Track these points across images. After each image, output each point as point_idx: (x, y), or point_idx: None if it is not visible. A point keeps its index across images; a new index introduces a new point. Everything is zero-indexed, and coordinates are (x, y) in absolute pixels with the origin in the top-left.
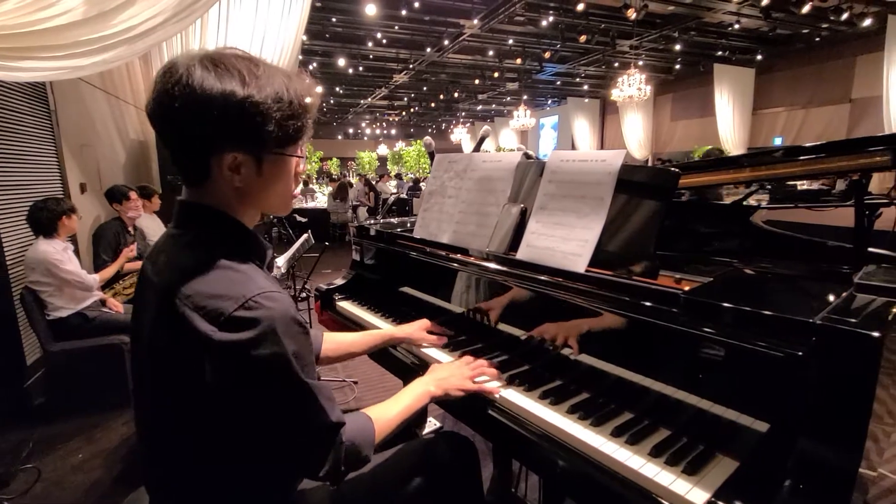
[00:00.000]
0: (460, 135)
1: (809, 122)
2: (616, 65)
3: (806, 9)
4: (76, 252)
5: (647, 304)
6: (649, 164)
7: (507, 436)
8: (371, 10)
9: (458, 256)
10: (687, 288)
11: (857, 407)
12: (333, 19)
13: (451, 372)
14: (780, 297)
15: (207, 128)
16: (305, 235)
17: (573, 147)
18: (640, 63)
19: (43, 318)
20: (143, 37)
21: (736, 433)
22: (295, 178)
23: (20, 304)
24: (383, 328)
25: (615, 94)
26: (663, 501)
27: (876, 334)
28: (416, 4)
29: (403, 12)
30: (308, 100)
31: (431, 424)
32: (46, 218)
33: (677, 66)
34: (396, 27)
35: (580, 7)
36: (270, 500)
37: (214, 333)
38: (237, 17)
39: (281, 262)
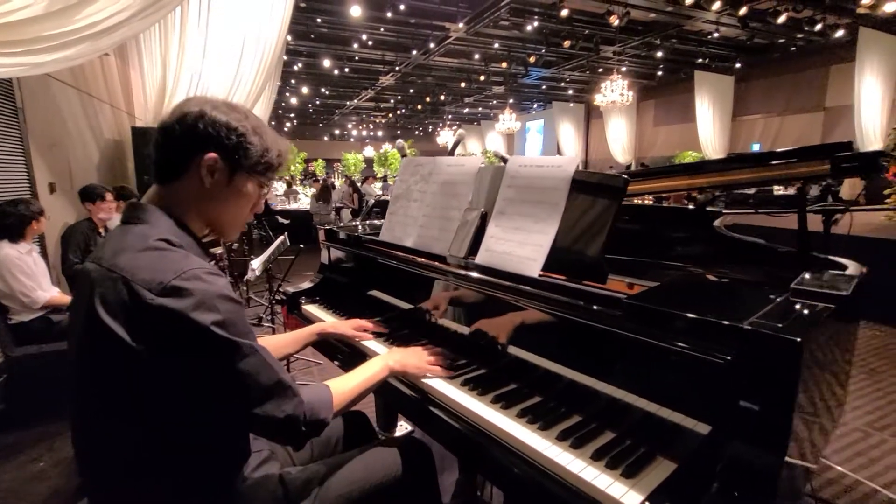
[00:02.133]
0: (447, 137)
1: (785, 129)
2: (600, 70)
3: (781, 19)
4: (43, 253)
5: (592, 307)
6: (633, 168)
7: (451, 435)
8: (356, 12)
9: (420, 260)
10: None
11: (781, 408)
12: (318, 20)
13: (410, 353)
14: (719, 301)
15: (207, 133)
16: (281, 238)
17: (559, 151)
18: (624, 69)
19: (4, 323)
20: (108, 33)
21: (677, 435)
22: (252, 209)
23: None
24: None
25: (598, 100)
26: None
27: (798, 339)
28: (402, 7)
29: (389, 14)
30: (282, 151)
31: (402, 428)
32: (14, 222)
33: (659, 73)
34: (382, 29)
35: (564, 13)
36: (222, 484)
37: (153, 300)
38: (217, 16)
39: (256, 264)
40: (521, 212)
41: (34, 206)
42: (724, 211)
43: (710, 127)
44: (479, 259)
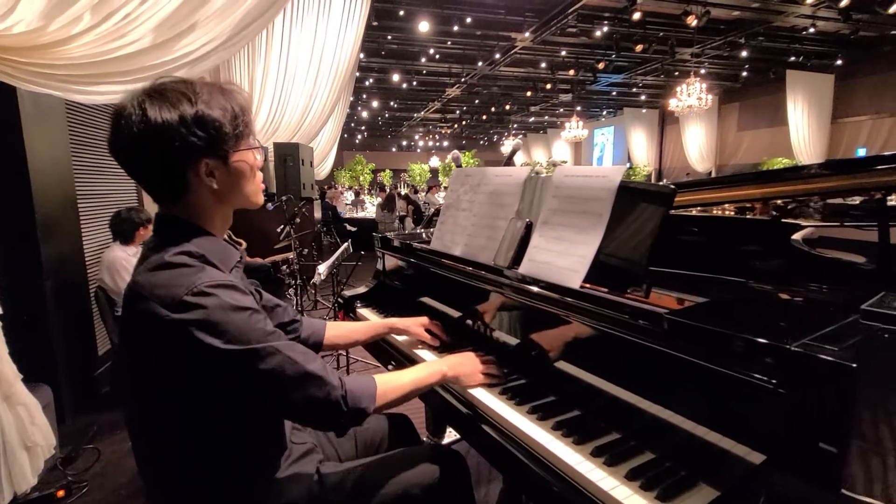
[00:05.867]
0: (511, 145)
1: None
2: (676, 74)
3: (894, 8)
4: None
5: (632, 321)
6: (713, 176)
7: (486, 443)
8: (424, 27)
9: (466, 269)
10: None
11: (834, 441)
12: (389, 37)
13: (464, 360)
14: (773, 320)
15: (177, 147)
16: (345, 245)
17: (629, 158)
18: (703, 71)
19: (112, 315)
20: (200, 61)
21: (722, 461)
22: (253, 170)
23: (95, 300)
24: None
25: (673, 104)
26: None
27: (853, 365)
28: (468, 20)
29: (455, 28)
30: (243, 102)
31: (452, 434)
32: (127, 227)
33: (744, 74)
34: (449, 42)
35: (637, 16)
36: (260, 475)
37: (167, 316)
38: (298, 38)
39: (322, 269)
40: (565, 222)
41: (143, 214)
42: (802, 223)
43: (804, 130)
44: (523, 269)
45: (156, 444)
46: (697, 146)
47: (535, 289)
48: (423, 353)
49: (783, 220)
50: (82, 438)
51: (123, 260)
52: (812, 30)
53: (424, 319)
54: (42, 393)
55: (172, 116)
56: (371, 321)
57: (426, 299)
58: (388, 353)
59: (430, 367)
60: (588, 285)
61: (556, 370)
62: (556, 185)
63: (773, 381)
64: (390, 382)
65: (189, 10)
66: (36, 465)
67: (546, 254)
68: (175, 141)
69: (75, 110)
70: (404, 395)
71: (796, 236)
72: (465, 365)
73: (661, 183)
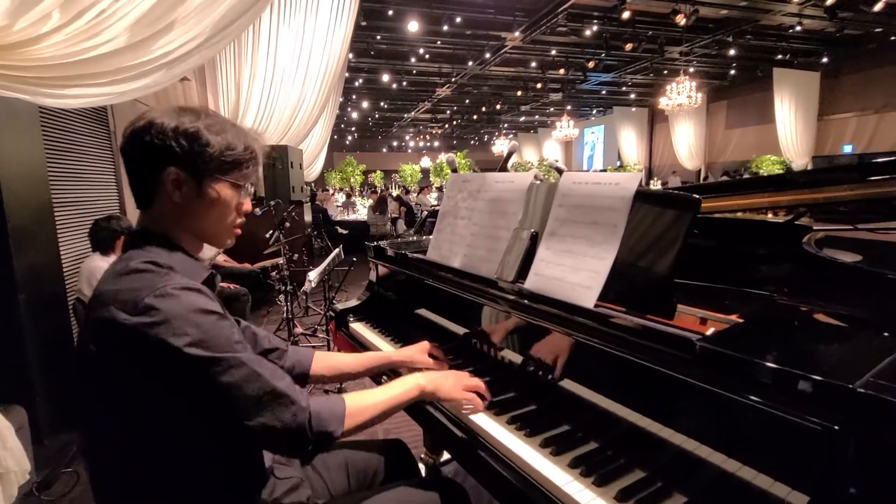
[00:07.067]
0: (502, 146)
1: (884, 128)
2: (665, 72)
3: (878, 6)
4: None
5: (659, 348)
6: (702, 174)
7: (489, 475)
8: (413, 27)
9: (466, 282)
10: (709, 332)
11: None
12: (378, 37)
13: (446, 375)
14: (818, 347)
15: (156, 145)
16: (336, 250)
17: (619, 156)
18: (691, 70)
19: None
20: (180, 61)
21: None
22: (237, 212)
23: (73, 313)
24: (384, 350)
25: (663, 103)
26: None
27: None
28: (458, 19)
29: (445, 28)
30: (252, 146)
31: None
32: (106, 236)
33: (732, 72)
34: (439, 42)
35: (626, 15)
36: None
37: (127, 320)
38: (286, 38)
39: (313, 276)
40: (575, 233)
41: (124, 223)
42: (815, 227)
43: (791, 128)
44: (529, 284)
45: (114, 476)
46: (686, 144)
47: (544, 307)
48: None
49: (799, 224)
50: (61, 460)
51: (104, 270)
52: (798, 28)
53: (426, 344)
54: (15, 415)
55: (170, 123)
56: (365, 354)
57: (423, 311)
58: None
59: (405, 382)
60: (603, 304)
61: (568, 395)
62: (564, 193)
63: (835, 427)
64: (361, 401)
65: (167, 7)
66: (9, 493)
67: (555, 268)
68: (156, 140)
69: (50, 114)
70: (377, 415)
71: (805, 239)
72: (446, 377)
73: (682, 190)
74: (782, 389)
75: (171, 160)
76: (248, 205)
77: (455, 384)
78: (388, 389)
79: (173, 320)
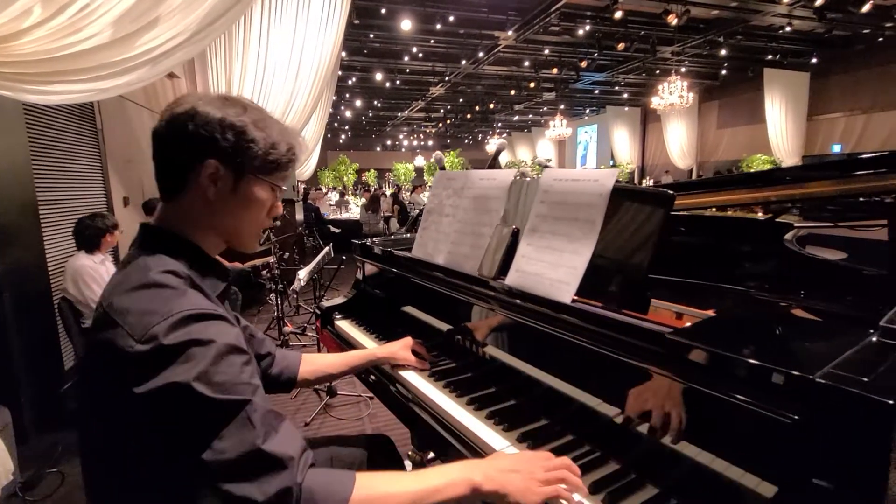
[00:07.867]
0: (495, 145)
1: (872, 128)
2: (657, 72)
3: (866, 7)
4: (116, 263)
5: (630, 341)
6: (694, 173)
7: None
8: (407, 26)
9: (449, 279)
10: (686, 325)
11: (865, 489)
12: (371, 35)
13: (516, 465)
14: (786, 340)
15: (199, 135)
16: (326, 249)
17: (612, 156)
18: (683, 70)
19: (78, 327)
20: (165, 57)
21: (732, 493)
22: (269, 214)
23: (59, 312)
24: (368, 348)
25: (655, 103)
26: None
27: (890, 402)
28: (451, 18)
29: (438, 26)
30: (295, 146)
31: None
32: (91, 234)
33: (723, 72)
34: (432, 41)
35: (618, 15)
36: None
37: (132, 347)
38: (277, 35)
39: (303, 274)
40: (555, 230)
41: (109, 220)
42: (797, 224)
43: (781, 128)
44: (509, 280)
45: (111, 477)
46: (679, 144)
47: (522, 303)
48: (409, 376)
49: (779, 221)
50: (46, 460)
51: (90, 268)
52: (788, 29)
53: (409, 340)
54: None
55: (216, 114)
56: (349, 352)
57: (408, 308)
58: (373, 382)
59: (449, 472)
60: (581, 299)
61: (547, 389)
62: (545, 190)
63: (794, 417)
64: (376, 489)
65: (151, 2)
66: None
67: (535, 264)
68: (202, 130)
69: (35, 111)
70: None
71: (788, 236)
72: (517, 476)
73: (657, 186)
74: (747, 381)
75: (212, 153)
76: (279, 208)
77: (529, 478)
78: (422, 478)
79: (183, 354)
